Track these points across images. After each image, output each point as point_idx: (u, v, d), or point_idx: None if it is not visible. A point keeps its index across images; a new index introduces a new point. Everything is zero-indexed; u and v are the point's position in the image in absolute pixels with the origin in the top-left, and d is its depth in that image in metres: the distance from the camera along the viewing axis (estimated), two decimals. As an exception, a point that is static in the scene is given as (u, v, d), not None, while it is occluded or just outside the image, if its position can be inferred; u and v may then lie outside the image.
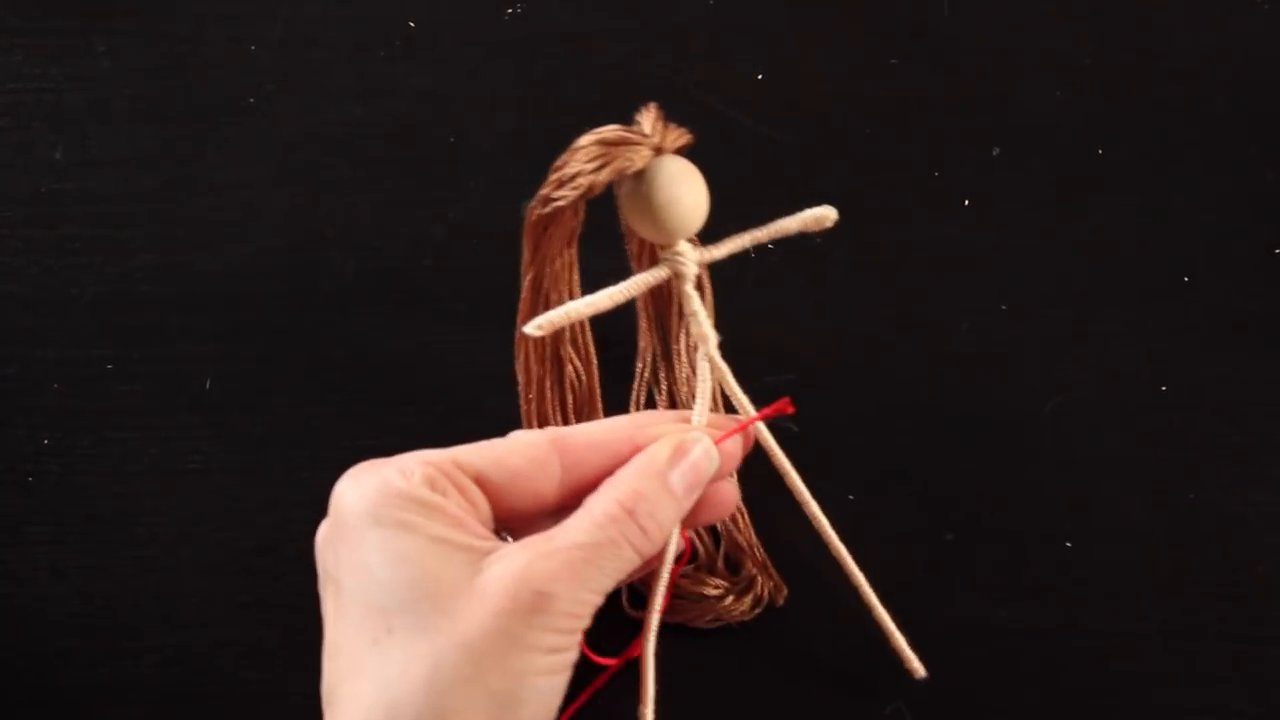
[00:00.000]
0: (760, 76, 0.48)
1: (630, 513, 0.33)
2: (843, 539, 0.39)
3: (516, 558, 0.32)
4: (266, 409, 0.46)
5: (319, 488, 0.45)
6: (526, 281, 0.39)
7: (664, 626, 0.40)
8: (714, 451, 0.36)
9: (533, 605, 0.31)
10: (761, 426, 0.38)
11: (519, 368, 0.41)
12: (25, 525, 0.45)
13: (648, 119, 0.36)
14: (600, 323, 0.39)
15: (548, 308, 0.39)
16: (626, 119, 0.48)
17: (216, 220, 0.48)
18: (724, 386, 0.38)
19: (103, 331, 0.46)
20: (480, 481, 0.34)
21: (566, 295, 0.39)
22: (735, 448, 0.37)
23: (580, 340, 0.42)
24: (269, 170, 0.48)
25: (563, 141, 0.48)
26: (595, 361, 0.42)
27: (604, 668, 0.41)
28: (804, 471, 0.38)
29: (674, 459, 0.35)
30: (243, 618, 0.44)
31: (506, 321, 0.46)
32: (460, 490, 0.34)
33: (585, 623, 0.33)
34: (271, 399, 0.46)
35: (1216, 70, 0.48)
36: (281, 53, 0.49)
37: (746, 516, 0.43)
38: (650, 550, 0.34)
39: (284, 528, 0.45)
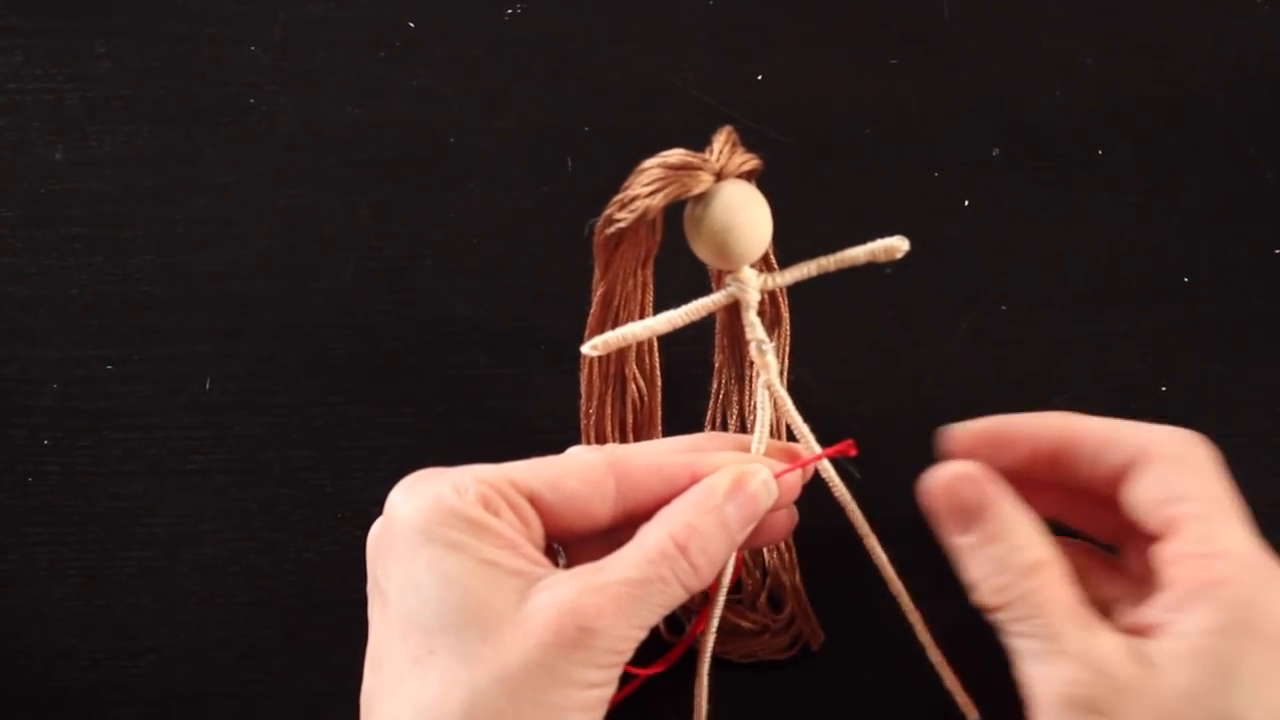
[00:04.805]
0: (760, 76, 0.48)
1: (683, 549, 0.33)
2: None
3: (564, 589, 0.31)
4: (266, 409, 0.46)
5: (319, 488, 0.45)
6: (597, 297, 0.38)
7: (694, 654, 0.40)
8: (773, 485, 0.35)
9: (575, 640, 0.31)
10: (824, 462, 0.38)
11: (582, 381, 0.41)
12: (25, 525, 0.45)
13: (718, 142, 0.35)
14: (673, 342, 0.39)
15: (617, 325, 0.39)
16: (626, 119, 0.48)
17: (216, 220, 0.48)
18: (785, 418, 0.38)
19: (103, 331, 0.46)
20: (534, 500, 0.34)
21: (637, 315, 0.39)
22: (794, 479, 0.37)
23: (646, 361, 0.42)
24: (269, 170, 0.48)
25: (562, 141, 0.48)
26: (659, 383, 0.42)
27: (630, 677, 0.40)
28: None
29: (731, 493, 0.34)
30: (243, 618, 0.44)
31: (507, 322, 0.46)
32: (514, 509, 0.33)
33: (627, 657, 0.32)
34: (271, 399, 0.46)
35: (1216, 70, 0.48)
36: (281, 53, 0.49)
37: (794, 554, 0.43)
38: (698, 586, 0.34)
39: (284, 528, 0.45)
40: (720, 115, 0.48)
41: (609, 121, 0.48)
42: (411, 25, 0.49)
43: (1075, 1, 0.49)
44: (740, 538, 0.35)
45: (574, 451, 0.37)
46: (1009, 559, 0.34)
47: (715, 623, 0.39)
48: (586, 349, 0.36)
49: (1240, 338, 0.46)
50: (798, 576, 0.42)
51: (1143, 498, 0.34)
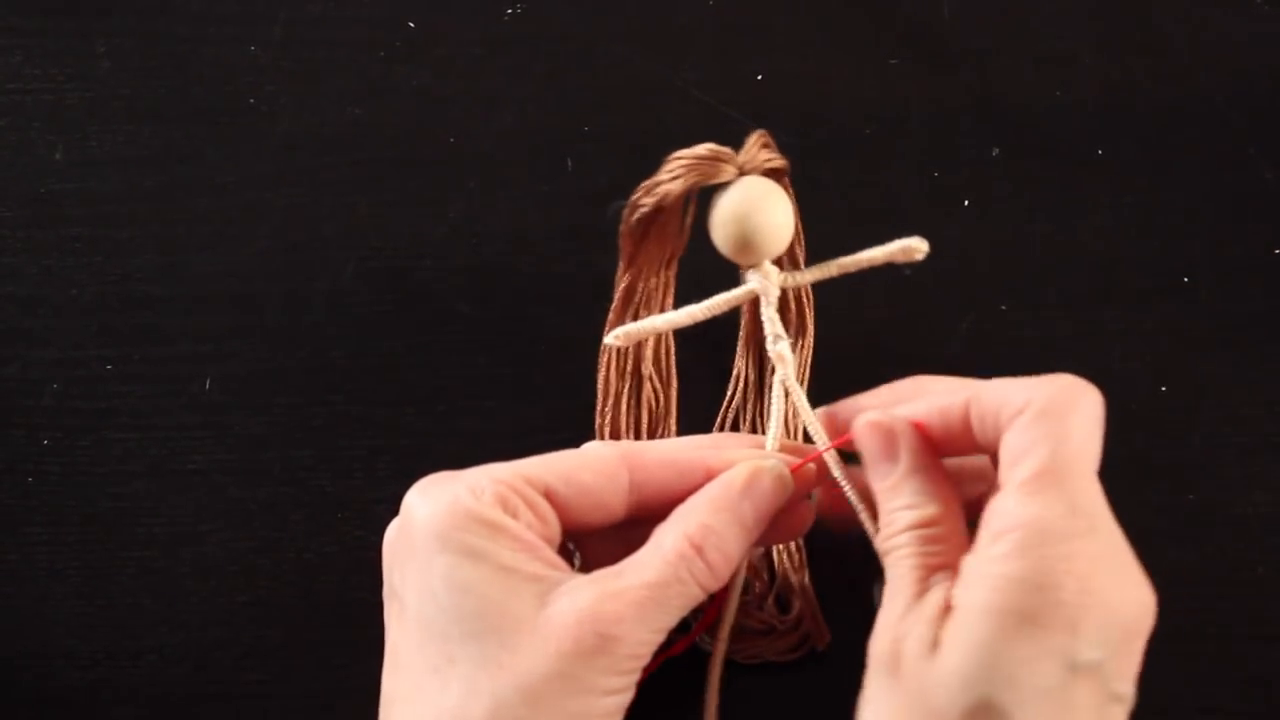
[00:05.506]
0: (760, 76, 0.49)
1: (699, 549, 0.33)
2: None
3: (583, 595, 0.31)
4: (266, 409, 0.46)
5: (319, 488, 0.45)
6: (620, 290, 0.39)
7: (705, 655, 0.40)
8: (789, 479, 0.35)
9: (595, 647, 0.31)
10: (831, 455, 0.37)
11: (600, 378, 0.41)
12: (25, 525, 0.45)
13: (750, 139, 0.36)
14: (686, 344, 0.39)
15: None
16: (626, 119, 0.48)
17: (216, 220, 0.48)
18: (800, 414, 0.38)
19: (103, 331, 0.46)
20: (549, 495, 0.34)
21: (659, 313, 0.39)
22: (808, 474, 0.37)
23: (664, 361, 0.42)
24: (269, 170, 0.48)
25: (562, 141, 0.48)
26: (675, 383, 0.42)
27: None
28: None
29: (746, 489, 0.34)
30: (243, 618, 0.44)
31: (507, 322, 0.46)
32: (531, 507, 0.33)
33: (645, 661, 0.32)
34: (271, 399, 0.46)
35: (1216, 70, 0.48)
36: (281, 53, 0.49)
37: (804, 554, 0.43)
38: (716, 585, 0.33)
39: (284, 528, 0.45)
40: (720, 115, 0.48)
41: (609, 121, 0.48)
42: (411, 25, 0.49)
43: (1075, 1, 0.49)
44: (757, 534, 0.35)
45: (589, 446, 0.37)
46: (892, 517, 0.34)
47: (728, 627, 0.39)
48: (609, 339, 0.36)
49: (1240, 338, 0.46)
50: (807, 576, 0.42)
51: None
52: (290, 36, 0.49)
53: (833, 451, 0.37)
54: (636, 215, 0.36)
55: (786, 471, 0.35)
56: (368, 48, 0.49)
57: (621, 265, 0.38)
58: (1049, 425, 0.32)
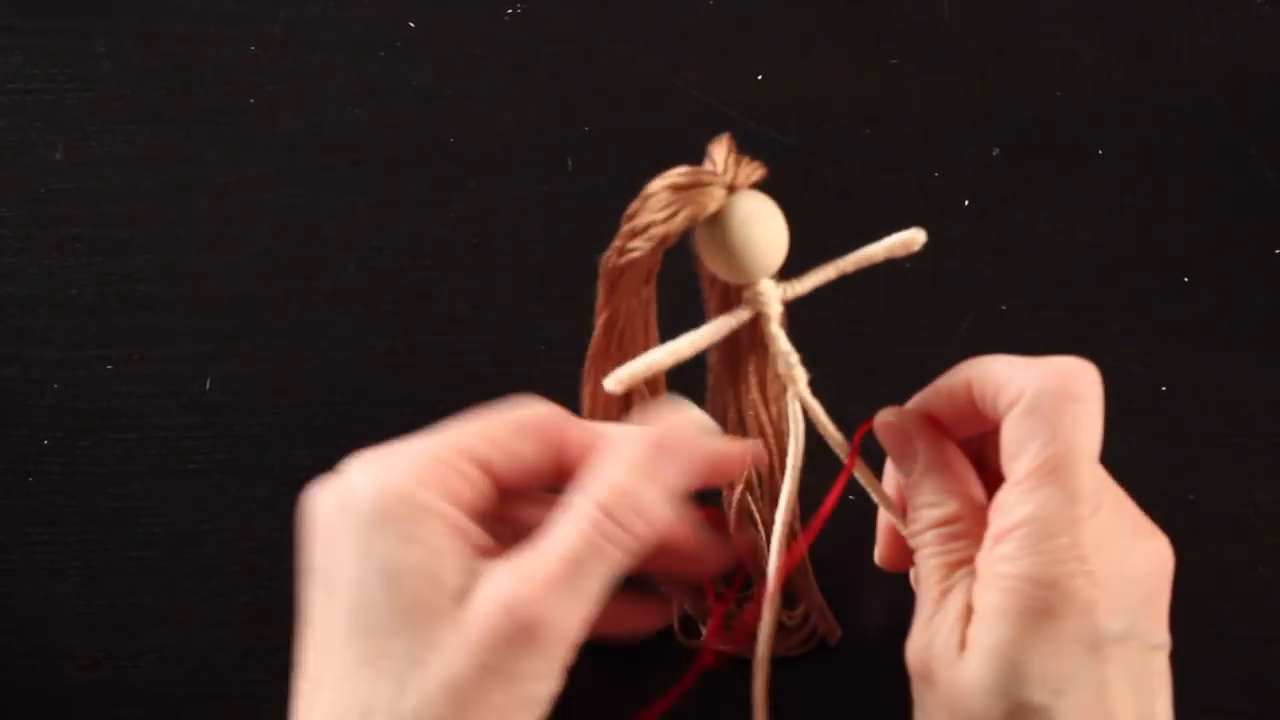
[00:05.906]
0: (760, 77, 0.49)
1: (609, 511, 0.31)
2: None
3: (502, 582, 0.30)
4: (266, 409, 0.46)
5: (319, 488, 0.45)
6: (601, 322, 0.37)
7: (715, 655, 0.40)
8: (708, 422, 0.34)
9: (516, 635, 0.29)
10: (859, 463, 0.37)
11: (585, 394, 0.40)
12: (25, 525, 0.45)
13: (719, 152, 0.34)
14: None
15: (622, 345, 0.37)
16: (626, 119, 0.48)
17: (216, 220, 0.48)
18: (816, 425, 0.37)
19: (103, 331, 0.46)
20: (486, 468, 0.33)
21: (642, 332, 0.38)
22: (735, 460, 0.36)
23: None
24: (269, 170, 0.48)
25: (562, 141, 0.48)
26: (664, 391, 0.42)
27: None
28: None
29: (661, 442, 0.32)
30: (243, 618, 0.44)
31: (507, 322, 0.46)
32: (470, 485, 0.32)
33: (576, 640, 0.31)
34: (271, 399, 0.46)
35: (1216, 70, 0.48)
36: (281, 53, 0.49)
37: (806, 555, 0.42)
38: (641, 547, 0.31)
39: (284, 528, 0.45)
40: (720, 115, 0.48)
41: (609, 121, 0.48)
42: (411, 25, 0.49)
43: (1075, 1, 0.49)
44: (679, 482, 0.33)
45: (521, 411, 0.35)
46: (916, 514, 0.35)
47: (769, 628, 0.38)
48: (609, 384, 0.34)
49: (1240, 338, 0.46)
50: (811, 574, 0.42)
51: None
52: (290, 36, 0.49)
53: (860, 461, 0.37)
54: (626, 259, 0.34)
55: (710, 421, 0.34)
56: (368, 48, 0.49)
57: (601, 299, 0.37)
58: (1042, 417, 0.32)
